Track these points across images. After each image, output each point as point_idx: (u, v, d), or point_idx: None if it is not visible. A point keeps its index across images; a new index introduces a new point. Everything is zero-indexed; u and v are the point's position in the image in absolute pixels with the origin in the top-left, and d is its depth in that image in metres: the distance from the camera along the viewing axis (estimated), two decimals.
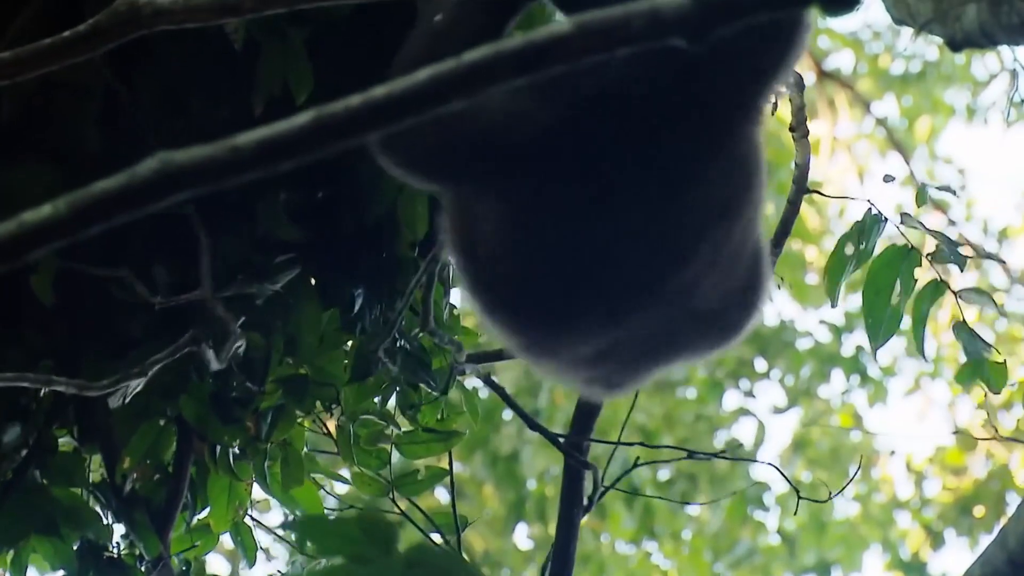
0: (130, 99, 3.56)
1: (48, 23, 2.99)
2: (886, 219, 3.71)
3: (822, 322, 12.61)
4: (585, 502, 4.04)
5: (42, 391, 3.74)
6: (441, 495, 10.07)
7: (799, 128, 3.87)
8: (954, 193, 4.18)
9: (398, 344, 3.82)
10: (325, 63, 3.59)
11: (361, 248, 3.80)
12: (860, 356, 12.38)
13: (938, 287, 3.73)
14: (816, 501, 4.90)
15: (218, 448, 3.85)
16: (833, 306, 3.82)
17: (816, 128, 12.27)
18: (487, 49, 1.17)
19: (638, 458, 4.43)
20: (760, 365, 12.41)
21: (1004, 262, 4.02)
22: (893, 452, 12.31)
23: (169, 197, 1.32)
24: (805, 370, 12.47)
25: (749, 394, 12.40)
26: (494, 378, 4.27)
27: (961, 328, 3.82)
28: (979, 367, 3.80)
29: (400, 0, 3.12)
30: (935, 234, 3.72)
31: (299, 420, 3.92)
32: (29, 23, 3.36)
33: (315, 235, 3.75)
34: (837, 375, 12.53)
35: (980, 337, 3.82)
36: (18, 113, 3.51)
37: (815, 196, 4.07)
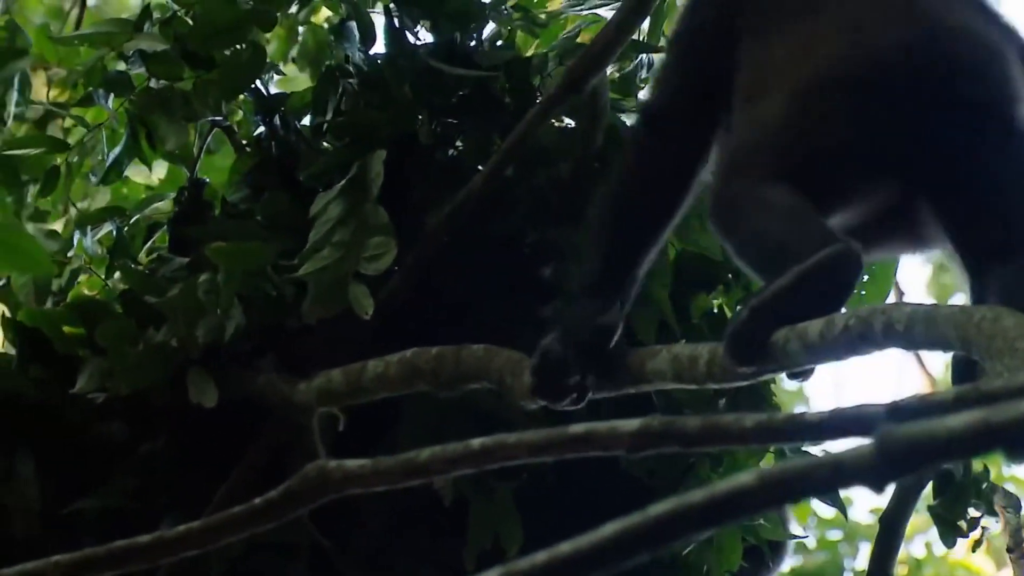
0: (337, 557, 3.60)
1: (254, 486, 3.07)
2: None
3: None
4: None
5: None
6: None
7: (1016, 549, 3.86)
8: None
9: None
10: (534, 513, 3.60)
11: None
12: None
13: None
14: None
15: None
16: None
17: None
18: (673, 503, 1.16)
19: None
20: None
21: None
22: None
23: None
24: None
25: None
26: None
27: None
28: None
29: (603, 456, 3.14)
30: None
31: None
32: (235, 487, 3.45)
33: None
34: None
35: None
36: None
37: None
